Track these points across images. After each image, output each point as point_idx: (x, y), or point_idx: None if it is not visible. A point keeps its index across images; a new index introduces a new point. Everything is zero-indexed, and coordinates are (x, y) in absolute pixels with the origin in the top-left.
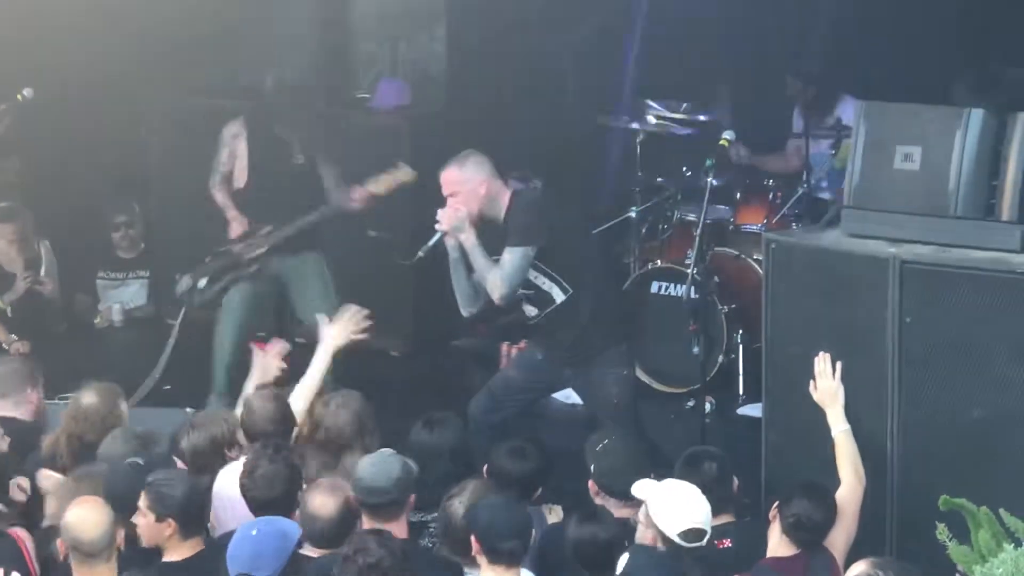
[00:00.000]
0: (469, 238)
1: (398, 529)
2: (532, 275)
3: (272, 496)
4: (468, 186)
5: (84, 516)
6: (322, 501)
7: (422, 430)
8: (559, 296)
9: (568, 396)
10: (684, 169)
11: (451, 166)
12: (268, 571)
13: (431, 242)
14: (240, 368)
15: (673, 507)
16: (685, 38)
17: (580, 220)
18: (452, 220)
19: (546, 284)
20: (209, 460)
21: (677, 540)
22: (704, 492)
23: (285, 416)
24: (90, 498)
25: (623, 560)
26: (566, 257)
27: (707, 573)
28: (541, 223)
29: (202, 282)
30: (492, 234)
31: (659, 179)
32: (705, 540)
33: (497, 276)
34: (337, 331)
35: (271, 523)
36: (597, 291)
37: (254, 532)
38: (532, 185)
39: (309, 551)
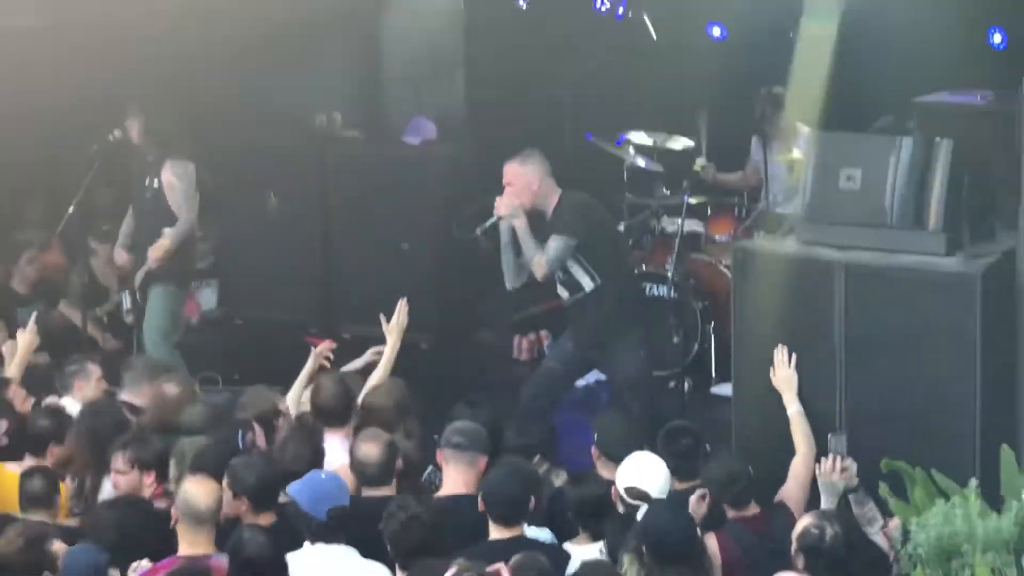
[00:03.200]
0: (521, 223)
1: None
2: (569, 263)
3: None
4: (524, 179)
5: (201, 490)
6: (368, 448)
7: (464, 407)
8: (588, 285)
9: (594, 374)
10: (664, 189)
11: (514, 160)
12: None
13: (488, 223)
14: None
15: (629, 471)
16: (665, 76)
17: (612, 223)
18: (508, 207)
19: (579, 273)
20: (264, 429)
21: (622, 493)
22: (680, 459)
23: (349, 396)
24: (206, 476)
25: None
26: (597, 253)
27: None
28: (583, 220)
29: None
30: (538, 225)
31: (644, 198)
32: (647, 502)
33: (542, 258)
34: (398, 325)
35: (320, 471)
36: (620, 283)
37: (323, 475)
38: None
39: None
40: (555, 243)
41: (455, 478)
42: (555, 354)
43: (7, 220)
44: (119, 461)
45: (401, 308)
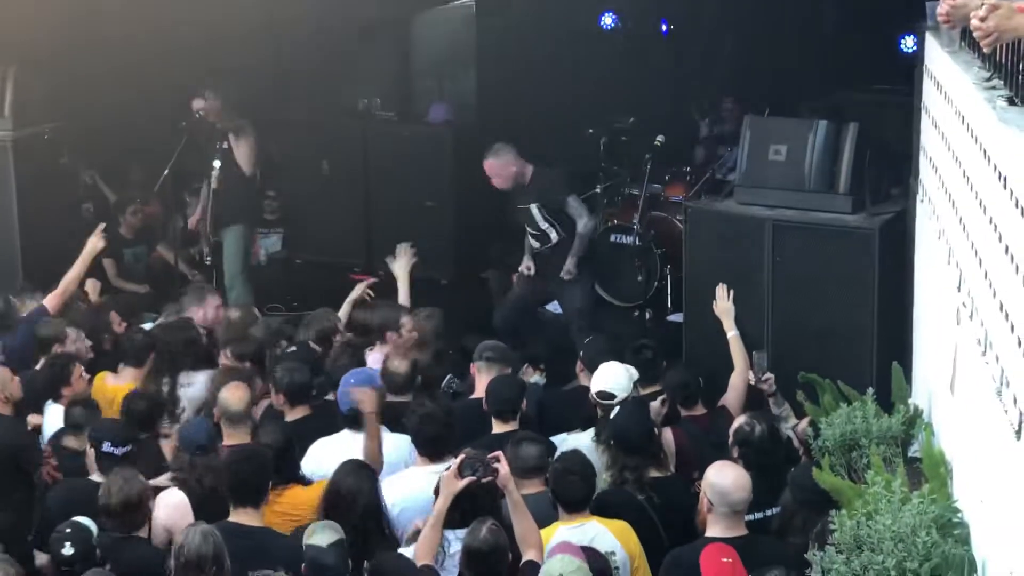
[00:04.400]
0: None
1: None
2: (540, 221)
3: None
4: (501, 169)
5: (232, 395)
6: (398, 364)
7: (474, 335)
8: (554, 237)
9: (555, 307)
10: (615, 168)
11: (488, 157)
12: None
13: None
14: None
15: (598, 378)
16: (638, 73)
17: (572, 189)
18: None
19: (548, 228)
20: (323, 344)
21: (595, 396)
22: (642, 368)
23: (393, 321)
24: (238, 383)
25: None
26: (562, 212)
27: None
28: (561, 184)
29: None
30: (520, 192)
31: (616, 167)
32: (614, 401)
33: (580, 216)
34: (402, 263)
35: (351, 377)
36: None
37: (352, 381)
38: None
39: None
40: (573, 203)
41: (485, 384)
42: (524, 285)
43: (117, 181)
44: (224, 358)
45: (404, 249)
